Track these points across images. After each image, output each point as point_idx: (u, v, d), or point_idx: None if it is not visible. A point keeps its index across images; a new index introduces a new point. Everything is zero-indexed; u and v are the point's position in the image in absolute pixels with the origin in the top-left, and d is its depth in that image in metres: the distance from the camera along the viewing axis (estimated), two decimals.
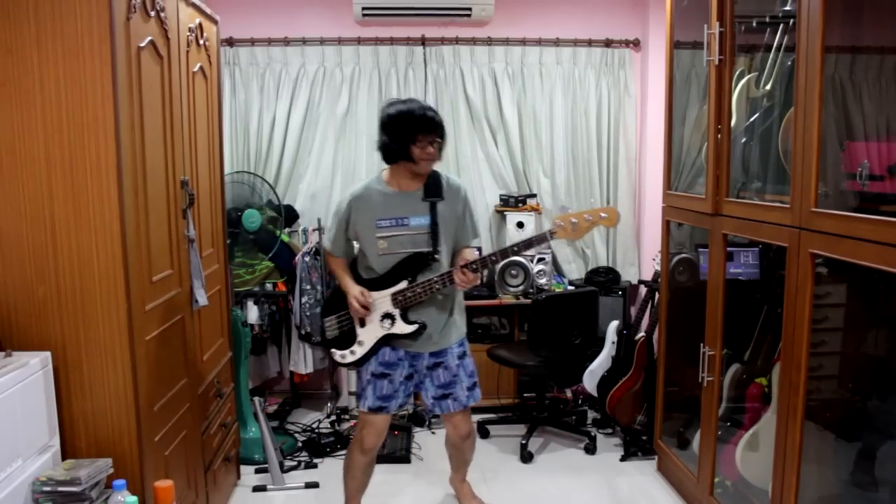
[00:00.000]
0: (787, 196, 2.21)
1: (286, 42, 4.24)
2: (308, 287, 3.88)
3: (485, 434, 3.89)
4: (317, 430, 3.89)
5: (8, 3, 1.91)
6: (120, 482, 1.93)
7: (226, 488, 3.10)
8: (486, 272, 4.35)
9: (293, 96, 4.26)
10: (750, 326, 2.86)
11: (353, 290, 2.63)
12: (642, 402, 3.63)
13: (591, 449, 3.68)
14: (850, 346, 2.52)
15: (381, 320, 2.63)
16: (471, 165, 4.39)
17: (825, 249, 2.02)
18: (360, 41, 4.27)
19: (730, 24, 2.59)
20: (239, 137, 4.27)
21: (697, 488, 2.93)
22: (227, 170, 3.34)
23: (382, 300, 2.62)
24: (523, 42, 4.33)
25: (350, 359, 2.70)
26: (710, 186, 2.70)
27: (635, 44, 4.40)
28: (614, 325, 3.73)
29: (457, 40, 4.31)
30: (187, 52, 2.56)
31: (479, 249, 4.17)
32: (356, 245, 2.77)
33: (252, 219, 3.79)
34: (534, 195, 4.36)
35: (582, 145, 4.42)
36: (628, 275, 4.48)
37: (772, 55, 2.63)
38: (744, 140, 2.81)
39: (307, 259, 3.91)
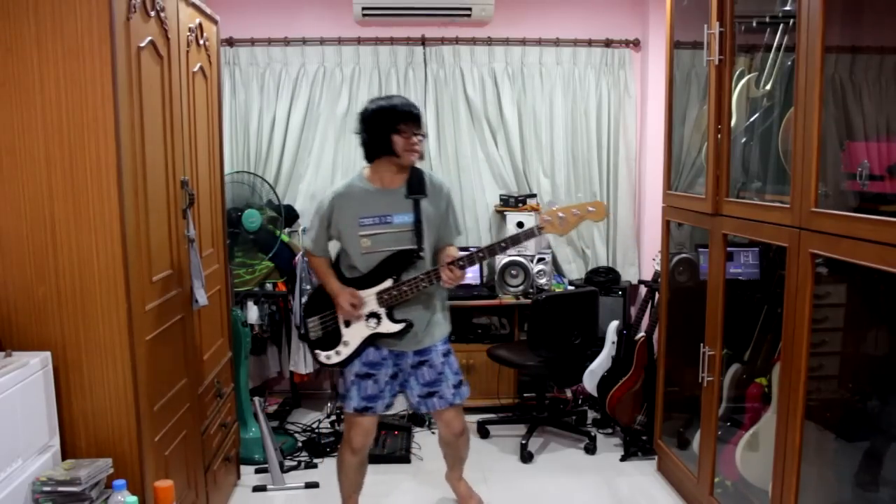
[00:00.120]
0: (787, 196, 2.20)
1: (286, 42, 4.24)
2: (308, 287, 3.87)
3: (485, 434, 3.89)
4: (317, 430, 3.89)
5: (8, 3, 1.91)
6: (120, 482, 1.93)
7: (226, 488, 3.10)
8: (486, 273, 4.37)
9: (293, 96, 4.26)
10: (750, 326, 2.86)
11: (343, 292, 2.61)
12: (642, 402, 3.63)
13: (591, 449, 3.68)
14: (850, 346, 2.52)
15: (367, 319, 2.61)
16: (471, 165, 4.39)
17: (825, 249, 2.01)
18: (360, 41, 4.27)
19: (730, 24, 2.58)
20: (239, 137, 4.27)
21: (697, 488, 2.93)
22: (227, 170, 3.34)
23: (367, 299, 2.60)
24: (523, 42, 4.33)
25: (335, 359, 2.68)
26: (710, 186, 2.70)
27: (635, 44, 4.40)
28: (614, 325, 3.73)
29: (457, 40, 4.31)
30: (187, 52, 2.56)
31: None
32: (334, 245, 2.73)
33: (252, 219, 3.78)
34: (534, 195, 4.36)
35: (582, 145, 4.42)
36: (628, 275, 4.48)
37: (772, 55, 2.63)
38: (744, 140, 2.80)
39: (307, 259, 3.91)
